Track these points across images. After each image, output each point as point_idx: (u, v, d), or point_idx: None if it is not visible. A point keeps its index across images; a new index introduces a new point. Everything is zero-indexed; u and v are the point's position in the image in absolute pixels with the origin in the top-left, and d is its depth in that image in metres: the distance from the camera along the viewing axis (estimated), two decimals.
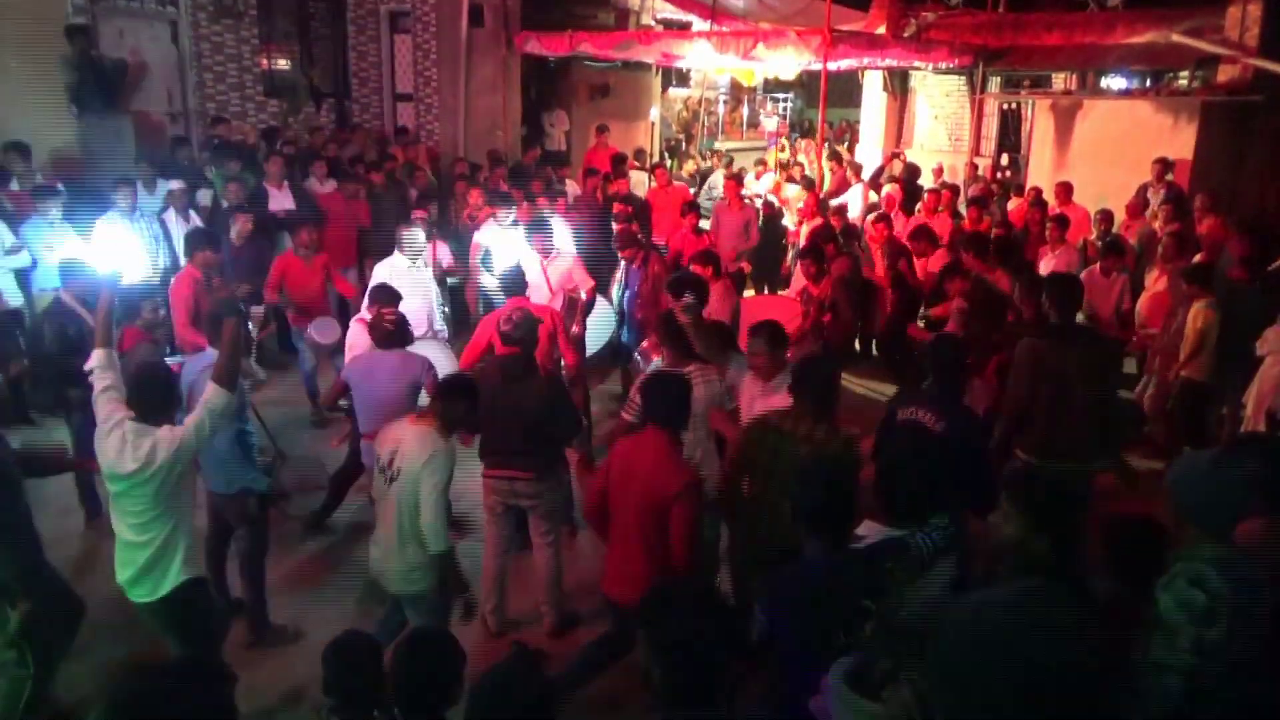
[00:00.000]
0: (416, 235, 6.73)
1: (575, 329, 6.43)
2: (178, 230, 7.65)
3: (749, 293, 9.14)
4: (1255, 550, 2.32)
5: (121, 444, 3.35)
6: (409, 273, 6.55)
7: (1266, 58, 9.44)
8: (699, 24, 13.90)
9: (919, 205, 10.01)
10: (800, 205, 10.49)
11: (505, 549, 4.62)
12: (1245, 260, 6.26)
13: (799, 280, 7.23)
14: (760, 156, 14.65)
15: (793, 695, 2.37)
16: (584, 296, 6.70)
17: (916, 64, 12.54)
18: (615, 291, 7.11)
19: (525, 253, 6.79)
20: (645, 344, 5.58)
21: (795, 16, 13.50)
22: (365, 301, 5.72)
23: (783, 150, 14.85)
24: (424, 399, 4.68)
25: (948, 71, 13.39)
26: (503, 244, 7.57)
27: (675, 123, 18.22)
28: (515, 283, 5.75)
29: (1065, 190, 9.31)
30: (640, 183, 11.92)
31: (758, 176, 12.95)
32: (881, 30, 12.97)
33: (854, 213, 10.50)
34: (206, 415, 3.45)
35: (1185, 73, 11.87)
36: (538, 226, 6.96)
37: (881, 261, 8.07)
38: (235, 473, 4.25)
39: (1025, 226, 8.77)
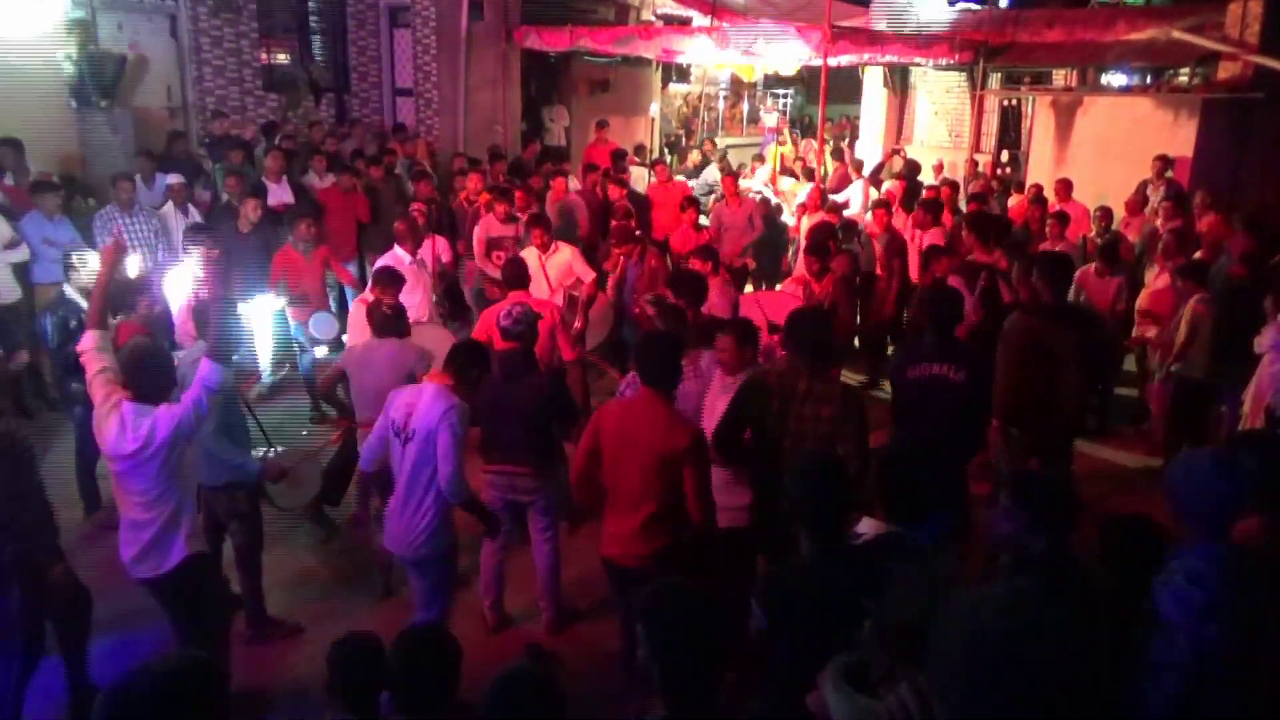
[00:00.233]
0: (415, 229, 6.73)
1: (577, 324, 6.43)
2: (176, 225, 7.64)
3: (748, 289, 9.12)
4: (1254, 548, 2.32)
5: (121, 425, 3.34)
6: (409, 267, 6.55)
7: (1267, 55, 9.42)
8: (699, 19, 13.86)
9: (919, 202, 9.98)
10: (797, 197, 10.49)
11: (504, 544, 4.63)
12: (1246, 257, 6.25)
13: (799, 274, 7.21)
14: (758, 152, 14.60)
15: (790, 692, 2.37)
16: (583, 292, 6.70)
17: (917, 60, 12.52)
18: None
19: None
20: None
21: (796, 12, 13.46)
22: (369, 284, 5.77)
23: (784, 144, 14.80)
24: None
25: (948, 68, 13.36)
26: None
27: (675, 118, 18.19)
28: (517, 273, 5.76)
29: (1065, 187, 9.30)
30: (640, 178, 11.90)
31: (751, 172, 12.92)
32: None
33: (855, 209, 10.49)
34: (204, 392, 3.44)
35: (1186, 70, 11.85)
36: (537, 221, 6.96)
37: (882, 254, 8.08)
38: (222, 465, 4.20)
39: (1025, 223, 8.75)
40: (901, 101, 15.45)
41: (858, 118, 16.39)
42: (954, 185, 10.36)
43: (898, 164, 13.13)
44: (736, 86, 18.80)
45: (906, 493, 2.90)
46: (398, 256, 6.62)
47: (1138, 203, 9.03)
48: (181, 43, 10.51)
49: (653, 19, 14.54)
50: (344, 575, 5.12)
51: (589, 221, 9.23)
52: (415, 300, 6.54)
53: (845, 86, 16.20)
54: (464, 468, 3.78)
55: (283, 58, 11.98)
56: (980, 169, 12.39)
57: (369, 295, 5.55)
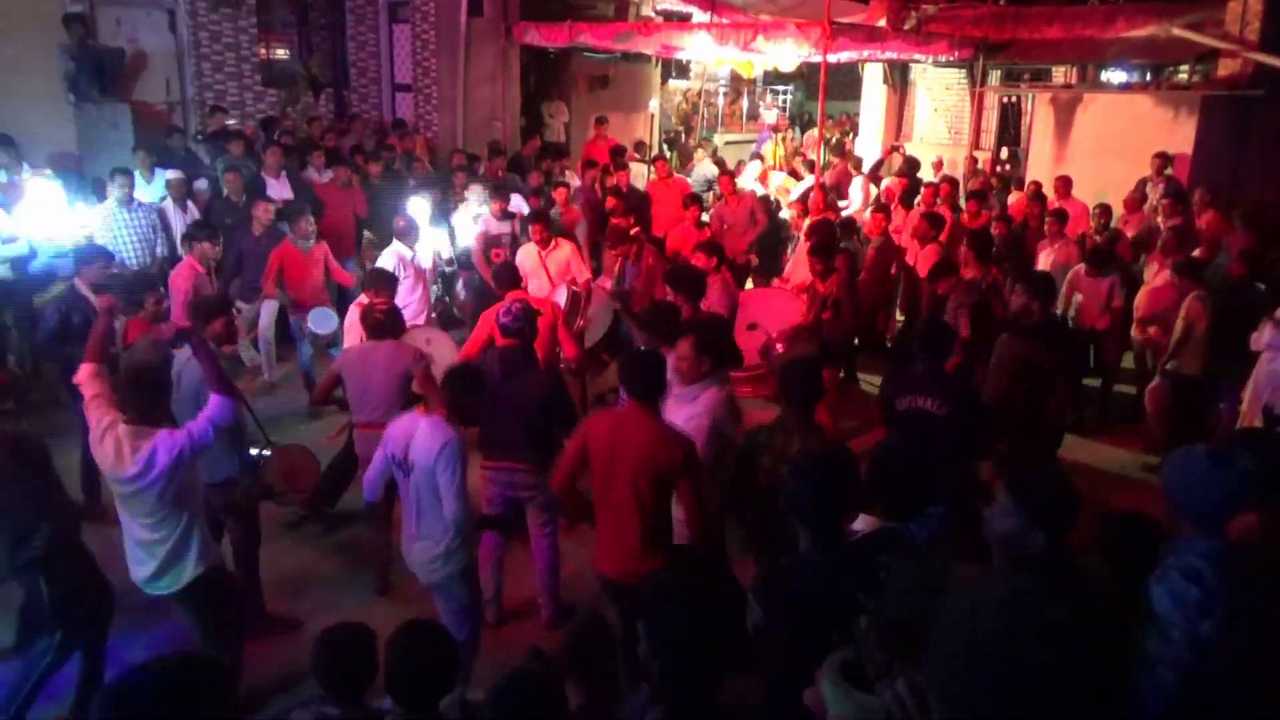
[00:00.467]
0: (414, 225, 6.71)
1: (580, 322, 6.42)
2: (176, 220, 7.63)
3: (749, 285, 9.12)
4: (1251, 545, 2.32)
5: (118, 447, 3.36)
6: (409, 263, 6.54)
7: (1267, 52, 9.42)
8: (699, 15, 13.84)
9: (918, 199, 9.98)
10: (792, 193, 10.46)
11: (502, 540, 4.63)
12: (1245, 254, 6.26)
13: (800, 273, 7.20)
14: (755, 150, 14.57)
15: (787, 688, 2.37)
16: (580, 287, 6.69)
17: (916, 57, 12.50)
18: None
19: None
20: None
21: (795, 8, 13.44)
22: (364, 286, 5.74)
23: (781, 144, 14.78)
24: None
25: (948, 64, 13.34)
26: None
27: (675, 115, 18.16)
28: (510, 275, 5.74)
29: (1065, 184, 9.29)
30: (640, 175, 11.88)
31: (739, 170, 12.87)
32: (882, 23, 12.93)
33: (855, 206, 10.48)
34: (210, 429, 3.46)
35: (1185, 67, 11.84)
36: (536, 217, 6.95)
37: (871, 259, 8.04)
38: (218, 463, 4.19)
39: (1024, 221, 8.75)
40: (901, 98, 15.42)
41: (857, 114, 16.36)
42: (953, 182, 10.36)
43: (897, 161, 13.11)
44: (736, 83, 18.75)
45: (899, 491, 2.90)
46: (396, 254, 6.61)
47: (1137, 200, 9.02)
48: (180, 37, 10.49)
49: (652, 15, 14.50)
50: (342, 571, 5.12)
51: (589, 222, 9.21)
52: (415, 297, 6.55)
53: (845, 83, 16.19)
54: (467, 501, 3.75)
55: (282, 53, 11.96)
56: (980, 166, 12.39)
57: (364, 299, 5.49)
